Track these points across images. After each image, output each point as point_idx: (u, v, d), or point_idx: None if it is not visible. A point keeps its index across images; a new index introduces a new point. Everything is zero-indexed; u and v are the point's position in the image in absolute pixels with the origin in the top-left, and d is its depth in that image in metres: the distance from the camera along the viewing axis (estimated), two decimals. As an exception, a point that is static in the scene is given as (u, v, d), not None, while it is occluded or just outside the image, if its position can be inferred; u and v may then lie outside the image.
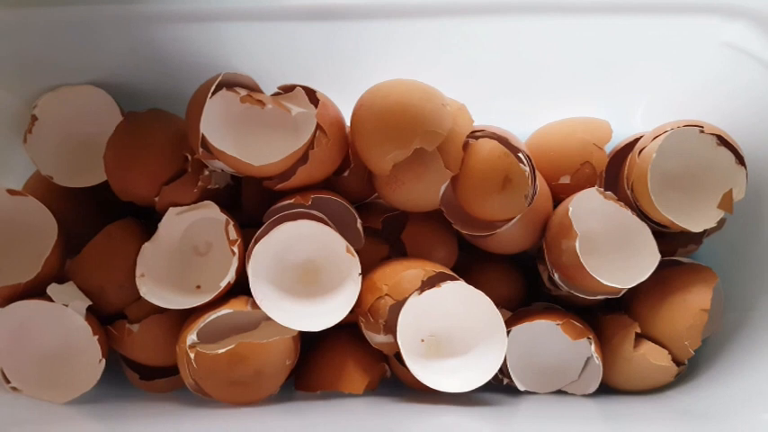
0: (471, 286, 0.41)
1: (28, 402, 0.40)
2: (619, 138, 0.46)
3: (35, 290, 0.40)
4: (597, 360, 0.42)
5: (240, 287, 0.41)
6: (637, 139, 0.45)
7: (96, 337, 0.40)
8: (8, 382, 0.40)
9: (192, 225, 0.43)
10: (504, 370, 0.43)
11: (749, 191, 0.41)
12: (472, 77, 0.45)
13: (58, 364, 0.41)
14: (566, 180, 0.45)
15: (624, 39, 0.42)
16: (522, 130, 0.46)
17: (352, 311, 0.41)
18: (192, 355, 0.39)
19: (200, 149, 0.40)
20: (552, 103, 0.48)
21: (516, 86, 0.47)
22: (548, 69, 0.45)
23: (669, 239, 0.45)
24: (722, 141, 0.41)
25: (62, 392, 0.40)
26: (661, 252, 0.42)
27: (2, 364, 0.40)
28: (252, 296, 0.40)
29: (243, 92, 0.41)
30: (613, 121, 0.46)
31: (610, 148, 0.46)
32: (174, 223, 0.42)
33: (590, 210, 0.42)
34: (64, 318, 0.40)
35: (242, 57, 0.42)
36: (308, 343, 0.44)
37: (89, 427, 0.39)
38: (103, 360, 0.40)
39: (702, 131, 0.41)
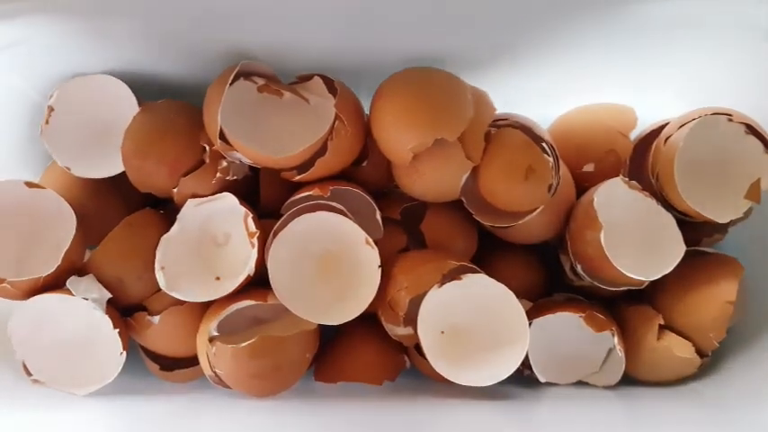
0: (493, 279, 0.40)
1: (49, 394, 0.40)
2: (644, 124, 0.45)
3: (55, 283, 0.40)
4: (620, 352, 0.42)
5: (260, 279, 0.41)
6: (662, 127, 0.44)
7: (117, 329, 0.40)
8: (30, 374, 0.40)
9: (211, 216, 0.42)
10: (525, 361, 0.42)
11: (777, 180, 0.40)
12: (494, 61, 0.44)
13: (78, 356, 0.41)
14: (590, 168, 0.45)
15: (653, 22, 0.41)
16: (545, 114, 0.45)
17: (371, 303, 0.41)
18: (212, 348, 0.39)
19: (218, 140, 0.39)
20: (577, 88, 0.47)
21: (541, 71, 0.46)
22: (572, 52, 0.44)
23: (694, 229, 0.44)
24: (751, 130, 0.40)
25: (83, 384, 0.40)
26: (685, 241, 0.41)
27: (24, 356, 0.40)
28: (271, 288, 0.40)
29: (261, 81, 0.41)
30: (639, 107, 0.45)
31: (635, 135, 0.45)
32: (193, 215, 0.42)
33: (614, 200, 0.41)
34: (84, 311, 0.40)
35: (260, 45, 0.41)
36: (328, 334, 0.44)
37: (110, 418, 0.39)
38: (124, 353, 0.40)
39: (731, 120, 0.40)
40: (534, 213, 0.41)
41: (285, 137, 0.40)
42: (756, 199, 0.41)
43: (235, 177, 0.42)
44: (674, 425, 0.38)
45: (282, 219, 0.41)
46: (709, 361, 0.43)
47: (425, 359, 0.40)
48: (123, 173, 0.42)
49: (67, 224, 0.40)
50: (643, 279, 0.40)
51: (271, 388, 0.40)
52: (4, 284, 0.39)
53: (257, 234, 0.41)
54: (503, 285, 0.40)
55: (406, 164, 0.40)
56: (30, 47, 0.40)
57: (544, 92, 0.46)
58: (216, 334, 0.40)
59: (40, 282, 0.39)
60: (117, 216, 0.42)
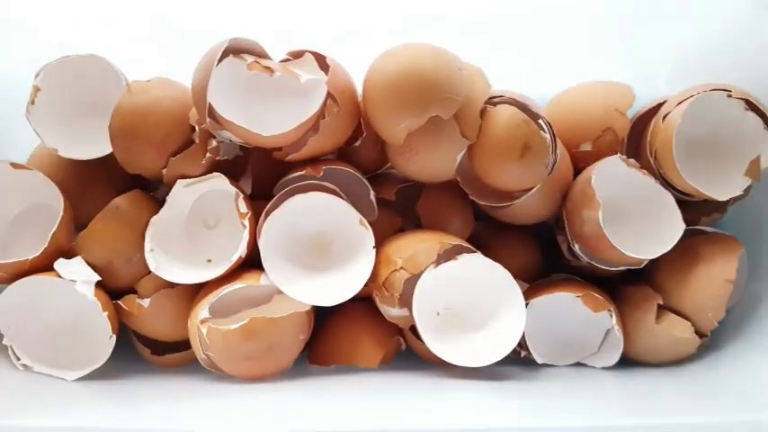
0: (488, 259, 0.40)
1: (38, 379, 0.39)
2: (642, 102, 0.44)
3: (43, 265, 0.39)
4: (618, 333, 0.41)
5: (252, 261, 0.40)
6: (660, 104, 0.43)
7: (106, 312, 0.39)
8: (18, 359, 0.39)
9: (202, 197, 0.42)
10: (521, 342, 0.42)
11: (778, 157, 0.40)
12: (489, 38, 0.43)
13: (68, 340, 0.40)
14: (587, 147, 0.44)
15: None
16: (542, 93, 0.45)
17: (366, 285, 0.40)
18: (204, 331, 0.38)
19: (208, 119, 0.39)
20: (573, 66, 0.46)
21: (537, 48, 0.45)
22: (569, 30, 0.44)
23: (693, 207, 0.43)
24: (750, 106, 0.40)
25: (73, 369, 0.40)
26: (684, 220, 0.41)
27: (11, 341, 0.39)
28: (264, 270, 0.39)
29: (250, 59, 0.40)
30: (636, 84, 0.44)
31: (632, 112, 0.44)
32: (183, 196, 0.41)
33: (612, 178, 0.41)
34: (72, 293, 0.39)
35: (249, 21, 0.40)
36: (322, 316, 0.43)
37: (100, 403, 0.39)
38: (114, 336, 0.39)
39: (730, 96, 0.39)
40: (531, 192, 0.40)
41: (276, 115, 0.40)
42: (756, 176, 0.40)
43: (225, 157, 0.42)
44: (672, 406, 0.38)
45: (274, 199, 0.40)
46: (708, 341, 0.42)
47: (421, 341, 0.39)
48: (112, 154, 0.41)
49: (55, 206, 0.40)
50: (641, 258, 0.40)
51: (263, 370, 0.39)
52: (-10, 267, 0.38)
53: (249, 215, 0.40)
54: (499, 265, 0.39)
55: (399, 143, 0.39)
56: (13, 26, 0.40)
57: (540, 70, 0.46)
58: (208, 316, 0.39)
59: (27, 264, 0.39)
60: (106, 198, 0.41)
